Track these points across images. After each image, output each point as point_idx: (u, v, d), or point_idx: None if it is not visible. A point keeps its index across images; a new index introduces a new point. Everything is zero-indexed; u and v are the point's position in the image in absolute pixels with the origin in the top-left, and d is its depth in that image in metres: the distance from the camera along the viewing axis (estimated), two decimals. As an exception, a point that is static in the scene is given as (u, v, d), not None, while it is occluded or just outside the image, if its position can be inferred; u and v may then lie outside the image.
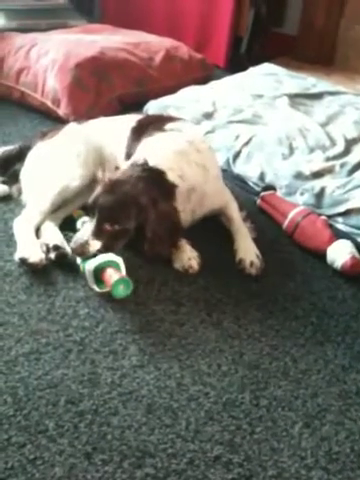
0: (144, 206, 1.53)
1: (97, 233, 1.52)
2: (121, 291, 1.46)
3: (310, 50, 3.49)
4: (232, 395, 1.26)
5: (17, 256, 1.57)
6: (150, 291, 1.53)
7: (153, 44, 2.82)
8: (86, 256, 1.51)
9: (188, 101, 2.48)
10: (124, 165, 1.68)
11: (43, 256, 1.58)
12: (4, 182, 1.89)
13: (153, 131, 1.74)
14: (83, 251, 1.52)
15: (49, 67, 2.42)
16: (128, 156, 1.76)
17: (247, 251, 1.67)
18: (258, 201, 1.95)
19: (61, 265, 1.58)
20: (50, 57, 2.46)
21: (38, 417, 1.16)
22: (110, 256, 1.49)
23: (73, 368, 1.28)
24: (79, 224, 1.70)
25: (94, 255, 1.51)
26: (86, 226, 1.56)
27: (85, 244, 1.52)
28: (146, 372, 1.29)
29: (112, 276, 1.44)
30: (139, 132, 1.79)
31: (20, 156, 1.90)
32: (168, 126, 1.76)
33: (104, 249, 1.52)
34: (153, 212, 1.54)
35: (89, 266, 1.48)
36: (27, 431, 1.14)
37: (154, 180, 1.57)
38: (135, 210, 1.53)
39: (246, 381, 1.30)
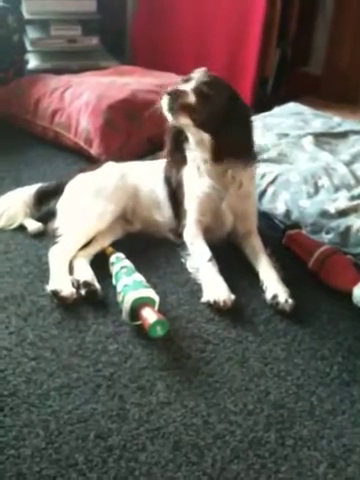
0: (236, 95, 1.75)
1: (195, 90, 1.66)
2: (158, 332, 1.49)
3: (335, 89, 3.56)
4: (258, 434, 1.28)
5: (49, 288, 1.63)
6: (177, 328, 1.57)
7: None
8: (176, 104, 1.63)
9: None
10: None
11: (74, 291, 1.64)
12: (39, 219, 1.98)
13: None
14: (177, 95, 1.63)
15: (82, 109, 2.53)
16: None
17: (279, 287, 1.69)
18: (284, 239, 1.99)
19: (91, 301, 1.64)
20: (83, 99, 2.57)
21: (68, 451, 1.20)
22: (150, 292, 1.55)
23: (102, 403, 1.32)
24: (113, 258, 1.76)
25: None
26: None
27: (184, 92, 1.64)
28: (173, 409, 1.32)
29: (150, 316, 1.49)
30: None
31: (56, 193, 2.00)
32: None
33: (195, 107, 1.65)
34: (239, 105, 1.74)
35: (128, 297, 1.52)
36: (58, 464, 1.17)
37: None
38: (229, 93, 1.73)
39: (272, 420, 1.32)
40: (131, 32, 3.95)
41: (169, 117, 1.66)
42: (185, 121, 1.68)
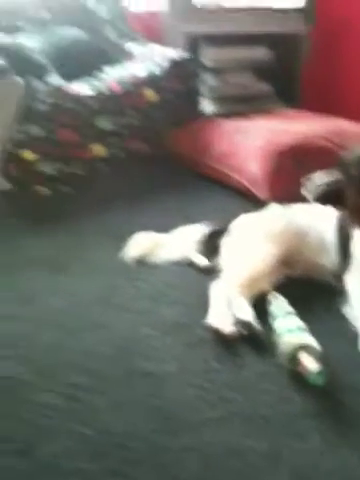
0: None
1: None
2: (317, 380, 1.50)
3: None
4: None
5: (208, 322, 1.72)
6: (335, 377, 1.55)
7: (351, 132, 2.91)
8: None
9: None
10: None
11: (233, 328, 1.71)
12: (206, 255, 2.11)
13: None
14: None
15: (252, 152, 2.66)
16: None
17: None
18: None
19: (250, 339, 1.70)
20: (254, 143, 2.69)
21: (223, 480, 1.26)
22: (310, 338, 1.58)
23: (256, 441, 1.36)
24: (272, 299, 1.81)
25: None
26: None
27: None
28: (326, 459, 1.31)
29: (310, 363, 1.51)
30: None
31: (221, 232, 2.11)
32: None
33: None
34: None
35: (288, 341, 1.56)
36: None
37: None
38: None
39: None
40: (303, 78, 4.04)
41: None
42: None
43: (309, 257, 1.98)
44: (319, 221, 1.99)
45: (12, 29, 3.18)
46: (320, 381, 1.50)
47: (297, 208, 2.10)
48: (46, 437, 1.35)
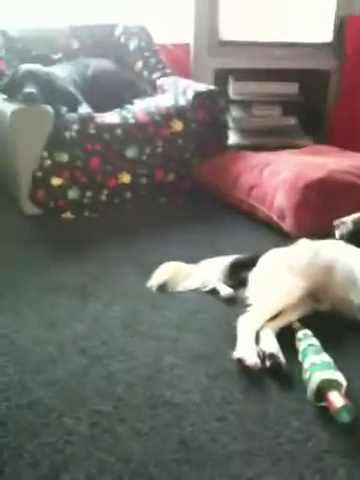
0: None
1: None
2: (344, 417, 1.47)
3: None
4: None
5: (235, 355, 1.71)
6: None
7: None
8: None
9: None
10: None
11: (258, 361, 1.69)
12: (231, 286, 2.11)
13: None
14: None
15: (279, 185, 2.67)
16: None
17: None
18: None
19: (276, 373, 1.68)
20: (281, 176, 2.71)
21: None
22: (338, 375, 1.55)
23: (282, 477, 1.33)
24: (301, 334, 1.80)
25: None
26: None
27: None
28: (353, 499, 1.29)
29: (337, 399, 1.48)
30: None
31: (249, 264, 2.12)
32: None
33: None
34: None
35: (316, 377, 1.54)
36: None
37: None
38: None
39: None
40: (331, 113, 4.07)
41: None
42: None
43: (337, 292, 1.96)
44: (347, 256, 1.98)
45: (43, 58, 3.29)
46: (347, 417, 1.47)
47: (327, 242, 2.10)
48: (70, 463, 1.35)
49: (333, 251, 2.02)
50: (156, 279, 2.16)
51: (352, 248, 2.01)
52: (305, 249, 2.05)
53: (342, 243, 2.09)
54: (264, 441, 1.43)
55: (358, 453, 1.40)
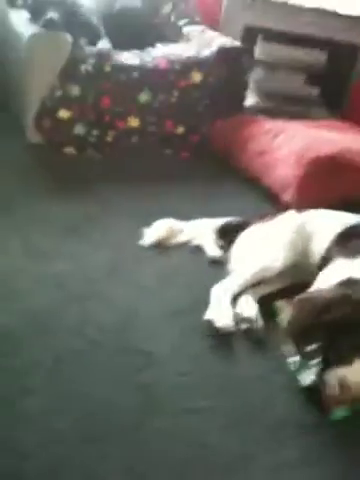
0: None
1: None
2: (338, 415, 1.45)
3: None
4: None
5: (206, 317, 1.71)
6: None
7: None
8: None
9: None
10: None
11: (230, 323, 1.69)
12: (221, 247, 2.11)
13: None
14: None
15: (287, 156, 2.60)
16: (323, 260, 1.84)
17: None
18: None
19: (250, 337, 1.69)
20: (291, 147, 2.64)
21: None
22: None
23: (238, 439, 1.35)
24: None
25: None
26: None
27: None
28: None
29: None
30: (343, 243, 1.84)
31: (239, 229, 2.11)
32: None
33: None
34: None
35: (304, 381, 1.48)
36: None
37: None
38: None
39: None
40: (354, 89, 3.96)
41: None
42: None
43: (312, 264, 1.93)
44: (322, 232, 1.95)
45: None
46: (342, 415, 1.45)
47: (312, 213, 2.07)
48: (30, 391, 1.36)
49: (319, 222, 1.99)
50: (149, 237, 2.13)
51: (341, 218, 1.99)
52: (291, 221, 2.03)
53: (332, 214, 2.05)
54: (224, 401, 1.45)
55: (315, 426, 1.42)
